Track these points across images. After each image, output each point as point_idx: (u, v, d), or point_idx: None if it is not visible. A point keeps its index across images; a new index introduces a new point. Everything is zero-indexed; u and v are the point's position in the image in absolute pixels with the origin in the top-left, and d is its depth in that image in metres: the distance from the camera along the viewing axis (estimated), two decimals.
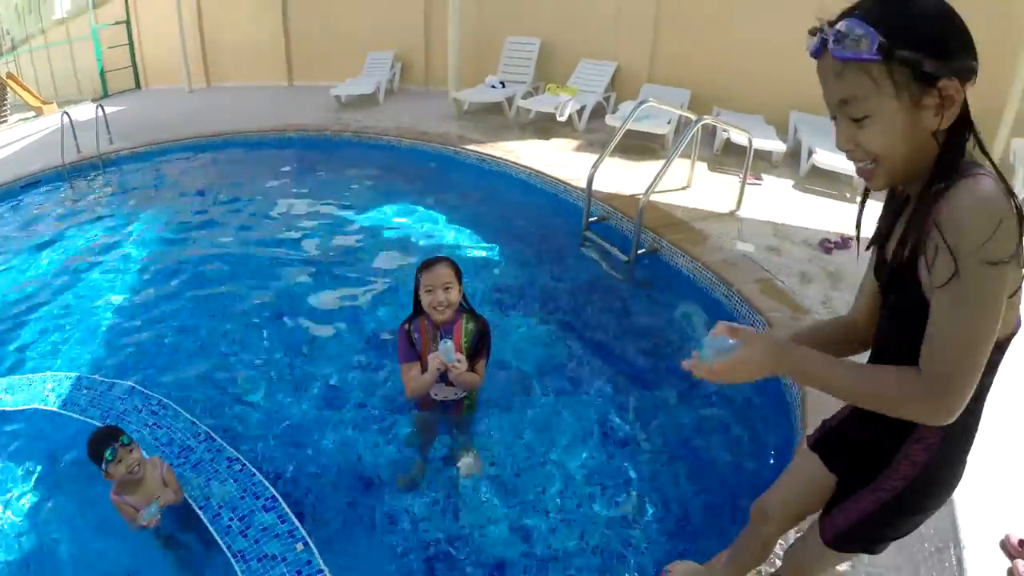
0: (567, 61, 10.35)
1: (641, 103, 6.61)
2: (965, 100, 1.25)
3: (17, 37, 20.02)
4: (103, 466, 2.99)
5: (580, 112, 9.20)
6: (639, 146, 8.15)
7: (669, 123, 8.22)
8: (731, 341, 1.40)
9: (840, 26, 1.23)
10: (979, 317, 1.23)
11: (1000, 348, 1.32)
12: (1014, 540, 2.84)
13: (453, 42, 10.56)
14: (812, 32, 1.30)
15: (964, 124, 1.27)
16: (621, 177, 7.07)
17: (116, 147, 9.73)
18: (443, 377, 3.09)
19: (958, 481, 1.60)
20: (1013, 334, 1.37)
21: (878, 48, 1.19)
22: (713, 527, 3.26)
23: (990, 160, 1.29)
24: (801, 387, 3.63)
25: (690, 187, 6.96)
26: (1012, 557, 2.80)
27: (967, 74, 1.22)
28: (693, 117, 6.19)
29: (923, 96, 1.22)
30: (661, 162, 5.63)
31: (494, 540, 3.24)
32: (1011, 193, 1.21)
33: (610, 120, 8.47)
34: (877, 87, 1.23)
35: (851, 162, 1.37)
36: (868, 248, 1.59)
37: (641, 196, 5.44)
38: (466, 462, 3.60)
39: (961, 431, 1.48)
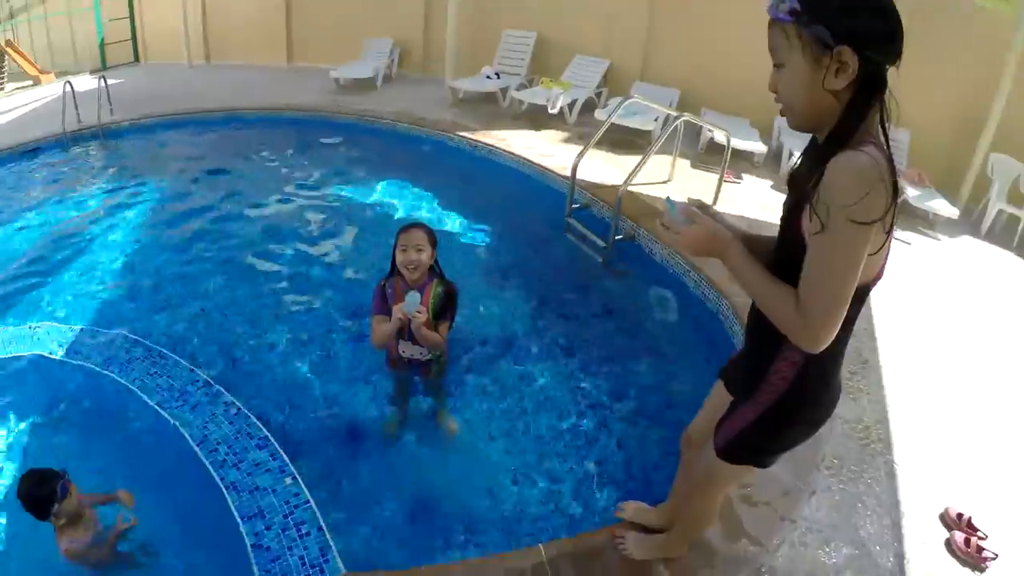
0: (562, 56, 10.63)
1: (624, 100, 6.91)
2: (881, 75, 1.50)
3: (16, 5, 19.93)
4: (53, 508, 2.77)
5: (571, 106, 9.48)
6: (626, 141, 8.45)
7: (656, 120, 8.51)
8: (683, 215, 1.74)
9: None
10: (841, 265, 1.49)
11: (862, 292, 1.60)
12: (953, 513, 3.08)
13: (451, 31, 10.83)
14: None
15: (870, 95, 1.51)
16: (607, 169, 7.37)
17: (117, 118, 9.90)
18: (410, 335, 3.37)
19: (832, 400, 1.88)
20: (874, 281, 1.64)
21: (790, 12, 1.50)
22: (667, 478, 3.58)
23: (884, 134, 1.54)
24: None
25: (671, 181, 7.27)
26: (950, 529, 3.03)
27: (882, 53, 1.48)
28: (676, 115, 6.49)
29: (822, 57, 1.49)
30: None
31: (463, 487, 3.57)
32: (892, 170, 1.47)
33: (599, 115, 8.76)
34: (788, 43, 1.54)
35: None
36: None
37: (619, 186, 5.76)
38: (445, 424, 3.92)
39: (826, 352, 1.65)
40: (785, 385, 1.84)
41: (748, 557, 2.79)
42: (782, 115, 1.67)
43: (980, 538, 2.97)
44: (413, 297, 3.12)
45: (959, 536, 2.97)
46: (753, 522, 2.95)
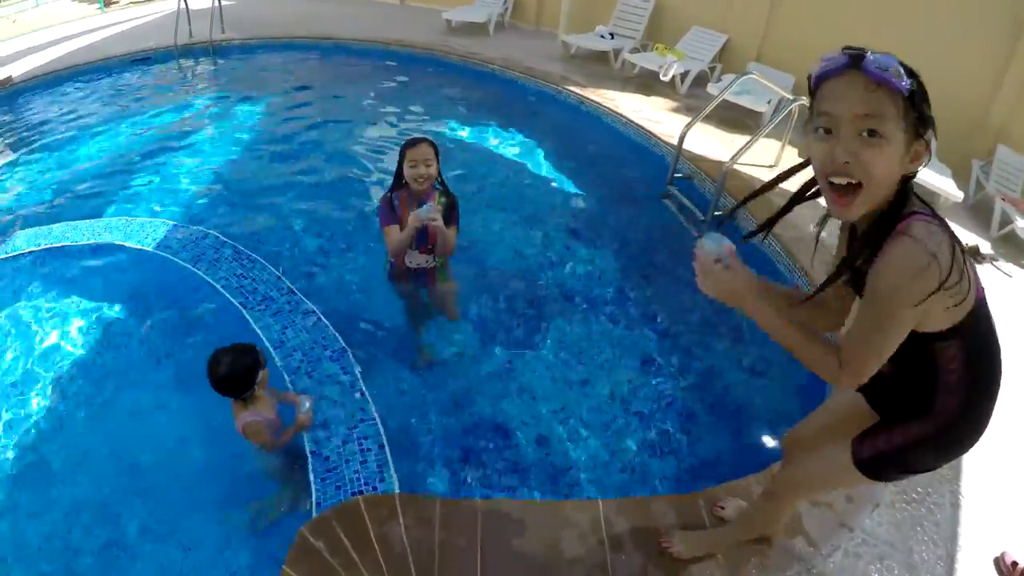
0: (679, 25, 10.26)
1: (743, 74, 6.63)
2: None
3: None
4: (258, 377, 2.79)
5: (684, 76, 9.17)
6: (734, 119, 8.13)
7: (769, 103, 8.15)
8: (721, 256, 1.68)
9: (881, 55, 1.39)
10: (881, 333, 1.53)
11: (957, 328, 1.60)
12: (1008, 559, 2.88)
13: None
14: (845, 50, 1.43)
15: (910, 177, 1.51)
16: (713, 144, 7.11)
17: (227, 36, 10.15)
18: (419, 243, 3.60)
19: (982, 431, 1.80)
20: (979, 305, 1.61)
21: (908, 86, 1.37)
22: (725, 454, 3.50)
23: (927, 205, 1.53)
24: None
25: (777, 166, 6.96)
26: (1002, 574, 2.85)
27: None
28: (792, 99, 6.19)
29: (915, 143, 1.44)
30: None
31: (530, 431, 3.53)
32: (947, 234, 1.45)
33: (712, 88, 8.46)
34: (898, 115, 1.40)
35: (833, 178, 1.49)
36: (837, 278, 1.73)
37: (726, 162, 5.54)
38: (445, 298, 4.10)
39: (987, 382, 1.72)
40: (951, 415, 1.75)
41: (801, 555, 2.71)
42: (837, 202, 1.50)
43: None
44: (428, 205, 3.36)
45: None
46: (812, 522, 2.85)
